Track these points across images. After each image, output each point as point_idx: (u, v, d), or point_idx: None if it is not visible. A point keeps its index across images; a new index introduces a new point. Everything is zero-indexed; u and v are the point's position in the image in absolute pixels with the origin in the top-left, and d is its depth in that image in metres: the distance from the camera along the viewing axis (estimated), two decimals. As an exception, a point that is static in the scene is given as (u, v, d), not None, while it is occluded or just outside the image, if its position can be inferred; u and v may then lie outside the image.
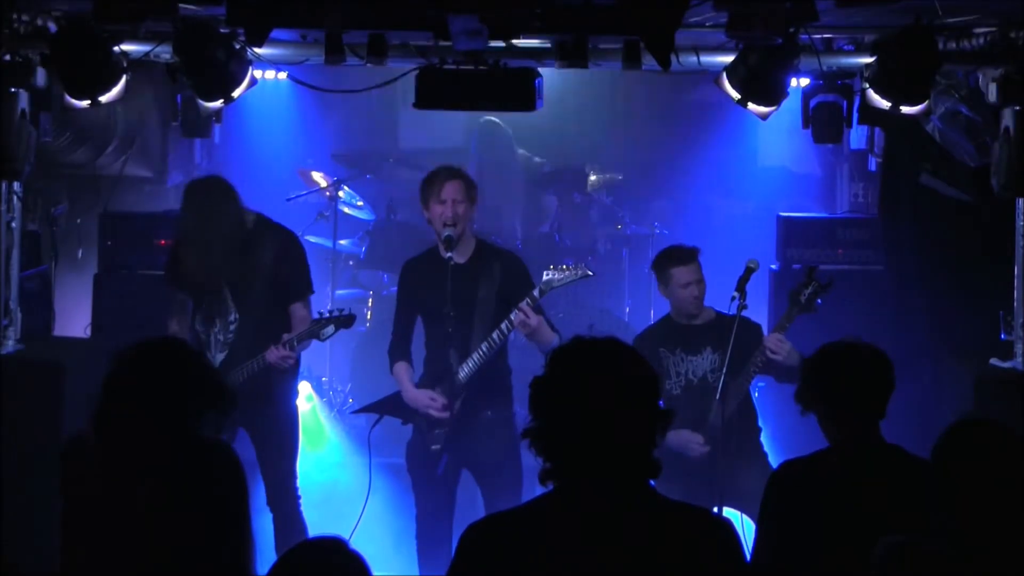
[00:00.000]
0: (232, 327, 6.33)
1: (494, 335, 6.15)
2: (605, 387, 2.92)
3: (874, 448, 4.07)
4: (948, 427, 3.44)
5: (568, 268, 6.28)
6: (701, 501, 6.07)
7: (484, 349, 6.17)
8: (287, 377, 6.42)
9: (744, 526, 6.20)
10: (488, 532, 3.02)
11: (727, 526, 3.04)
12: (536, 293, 6.15)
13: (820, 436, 4.30)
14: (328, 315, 6.33)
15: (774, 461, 6.54)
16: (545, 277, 6.20)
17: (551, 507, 2.97)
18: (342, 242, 10.01)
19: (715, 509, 6.05)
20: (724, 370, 6.14)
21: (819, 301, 6.33)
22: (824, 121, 6.69)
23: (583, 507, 2.94)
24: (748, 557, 4.16)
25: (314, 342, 6.41)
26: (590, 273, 6.36)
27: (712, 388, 6.32)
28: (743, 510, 6.25)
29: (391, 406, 6.45)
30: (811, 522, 3.96)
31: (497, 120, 10.40)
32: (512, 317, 6.09)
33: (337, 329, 6.33)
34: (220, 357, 6.29)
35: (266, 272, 6.32)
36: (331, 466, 8.32)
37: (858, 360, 4.12)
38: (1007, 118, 6.31)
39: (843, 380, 4.10)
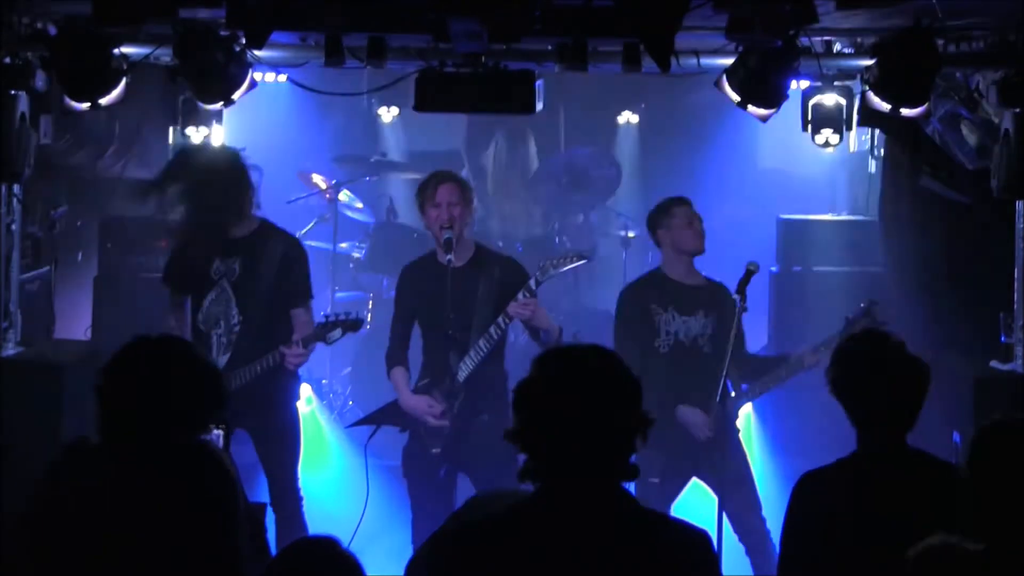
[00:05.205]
0: (236, 328, 6.31)
1: (491, 330, 6.14)
2: (584, 392, 2.94)
3: (900, 455, 3.89)
4: (983, 427, 3.25)
5: (561, 257, 6.28)
6: (679, 472, 6.22)
7: (482, 346, 6.17)
8: (289, 379, 6.40)
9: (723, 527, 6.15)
10: (458, 540, 3.04)
11: (704, 539, 3.03)
12: (532, 284, 6.13)
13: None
14: (335, 319, 6.31)
15: (770, 461, 6.52)
16: (540, 267, 6.20)
17: (524, 513, 2.99)
18: (342, 245, 10.01)
19: (690, 480, 6.21)
20: (726, 365, 6.07)
21: None
22: (824, 123, 6.71)
23: (556, 514, 2.95)
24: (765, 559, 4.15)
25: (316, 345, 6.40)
26: (585, 257, 6.34)
27: (704, 355, 6.29)
28: (711, 485, 6.21)
29: (388, 415, 6.44)
30: (837, 533, 3.82)
31: None
32: (508, 309, 6.09)
33: (344, 333, 6.31)
34: (224, 359, 6.26)
35: (270, 276, 6.31)
36: (330, 468, 8.32)
37: (887, 369, 3.89)
38: (1007, 120, 6.32)
39: (871, 389, 3.88)
